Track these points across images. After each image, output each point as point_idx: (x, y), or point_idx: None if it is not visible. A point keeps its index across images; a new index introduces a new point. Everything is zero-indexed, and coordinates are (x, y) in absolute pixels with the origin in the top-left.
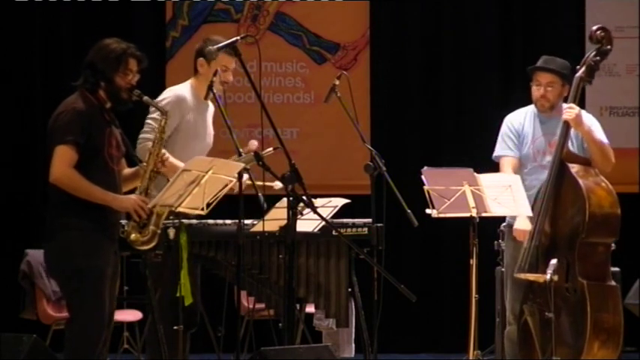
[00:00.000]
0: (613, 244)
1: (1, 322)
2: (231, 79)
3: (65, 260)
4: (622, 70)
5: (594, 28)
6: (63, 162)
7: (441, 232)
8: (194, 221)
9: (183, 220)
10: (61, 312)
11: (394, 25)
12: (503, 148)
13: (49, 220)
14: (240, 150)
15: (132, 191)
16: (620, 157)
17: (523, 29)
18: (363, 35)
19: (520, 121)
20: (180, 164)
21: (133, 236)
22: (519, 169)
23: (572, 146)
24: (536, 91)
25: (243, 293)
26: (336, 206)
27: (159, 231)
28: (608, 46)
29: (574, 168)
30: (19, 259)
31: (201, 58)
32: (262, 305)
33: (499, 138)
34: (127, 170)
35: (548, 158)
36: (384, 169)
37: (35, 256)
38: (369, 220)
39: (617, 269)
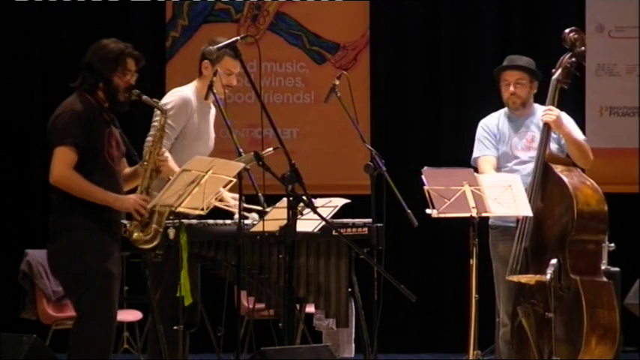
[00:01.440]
0: (612, 244)
1: (1, 322)
2: (234, 83)
3: (72, 261)
4: (622, 70)
5: (567, 30)
6: (62, 163)
7: (441, 232)
8: (194, 221)
9: (183, 220)
10: (61, 312)
11: (394, 25)
12: (480, 149)
13: (52, 221)
14: (241, 150)
15: (132, 190)
16: (620, 157)
17: (523, 29)
18: (363, 35)
19: (494, 122)
20: (177, 169)
21: (135, 235)
22: (499, 168)
23: (552, 144)
24: (505, 91)
25: (243, 293)
26: (336, 206)
27: (161, 229)
28: (582, 48)
29: (558, 168)
30: (19, 259)
31: (205, 61)
32: (262, 305)
33: (476, 141)
34: (127, 169)
35: (530, 153)
36: (384, 169)
37: (35, 256)
38: (369, 220)
39: (617, 269)
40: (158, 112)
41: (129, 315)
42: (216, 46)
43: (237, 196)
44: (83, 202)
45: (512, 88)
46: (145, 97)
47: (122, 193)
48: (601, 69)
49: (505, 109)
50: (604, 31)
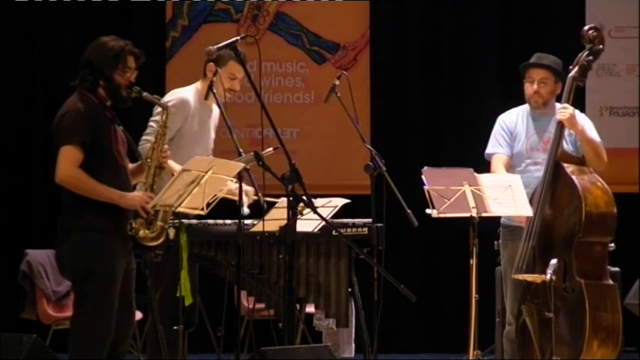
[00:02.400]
0: (612, 244)
1: (1, 322)
2: (237, 88)
3: (79, 262)
4: (622, 70)
5: (586, 27)
6: (68, 162)
7: (441, 232)
8: (194, 221)
9: (183, 220)
10: (61, 312)
11: (394, 25)
12: (494, 146)
13: (63, 221)
14: (240, 150)
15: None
16: (620, 157)
17: (523, 29)
18: (363, 35)
19: (513, 119)
20: (178, 168)
21: (141, 233)
22: (513, 167)
23: (567, 145)
24: (529, 88)
25: (243, 293)
26: (336, 206)
27: (167, 226)
28: (600, 46)
29: (569, 168)
30: (19, 259)
31: (210, 63)
32: (262, 305)
33: (492, 136)
34: (132, 165)
35: (543, 155)
36: (384, 169)
37: (35, 256)
38: (369, 220)
39: (617, 269)
40: (158, 109)
41: None
42: (216, 46)
43: (250, 189)
44: (94, 203)
45: (535, 87)
46: (145, 93)
47: (131, 189)
48: (601, 69)
49: (526, 106)
50: (604, 31)
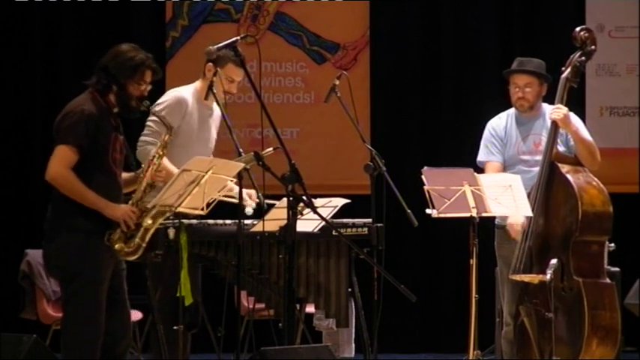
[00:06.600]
0: (612, 244)
1: (1, 322)
2: (234, 92)
3: (66, 263)
4: (622, 70)
5: (577, 29)
6: (61, 162)
7: (441, 232)
8: (194, 221)
9: (183, 220)
10: (60, 312)
11: (394, 25)
12: (487, 154)
13: (52, 219)
14: (240, 150)
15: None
16: (620, 157)
17: (523, 29)
18: (363, 35)
19: (502, 125)
20: (175, 170)
21: (117, 246)
22: (506, 171)
23: (558, 145)
24: (514, 94)
25: (243, 293)
26: (336, 206)
27: (144, 245)
28: (592, 47)
29: (564, 168)
30: (19, 259)
31: (210, 64)
32: (262, 305)
33: (482, 143)
34: (126, 174)
35: (536, 157)
36: (384, 169)
37: (35, 256)
38: (369, 220)
39: (617, 269)
40: (152, 116)
41: None
42: (216, 46)
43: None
44: (83, 204)
45: (520, 93)
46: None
47: (122, 198)
48: (601, 69)
49: (513, 110)
50: (604, 31)
